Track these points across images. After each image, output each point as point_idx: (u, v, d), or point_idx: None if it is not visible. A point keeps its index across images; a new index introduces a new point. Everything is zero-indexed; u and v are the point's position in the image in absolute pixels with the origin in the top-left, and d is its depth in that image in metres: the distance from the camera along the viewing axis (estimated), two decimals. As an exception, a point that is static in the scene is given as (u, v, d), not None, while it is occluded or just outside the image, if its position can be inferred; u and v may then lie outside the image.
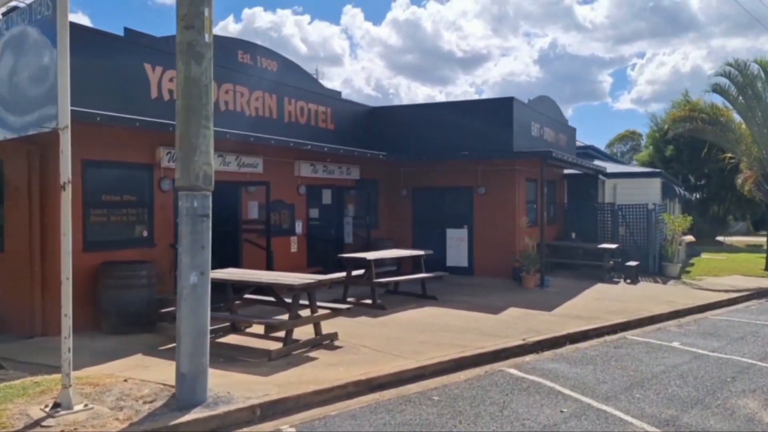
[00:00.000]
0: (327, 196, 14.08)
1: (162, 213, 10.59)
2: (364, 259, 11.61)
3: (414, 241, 17.51)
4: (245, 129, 11.85)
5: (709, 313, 12.76)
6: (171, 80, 10.72)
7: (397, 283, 13.07)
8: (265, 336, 8.48)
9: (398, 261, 13.22)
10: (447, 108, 16.89)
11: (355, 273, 12.10)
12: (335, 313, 8.90)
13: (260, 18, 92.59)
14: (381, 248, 15.34)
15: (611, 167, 22.41)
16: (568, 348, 9.47)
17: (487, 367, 8.19)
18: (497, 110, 16.10)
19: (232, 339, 8.92)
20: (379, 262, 12.10)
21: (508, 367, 8.15)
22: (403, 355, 8.20)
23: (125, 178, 10.08)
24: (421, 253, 12.96)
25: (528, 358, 8.82)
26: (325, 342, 8.71)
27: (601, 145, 53.38)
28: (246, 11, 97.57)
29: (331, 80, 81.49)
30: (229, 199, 13.04)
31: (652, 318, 11.78)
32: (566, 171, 20.73)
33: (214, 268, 13.27)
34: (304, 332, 8.74)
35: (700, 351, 9.15)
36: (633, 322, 11.31)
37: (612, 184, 21.52)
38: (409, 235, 17.56)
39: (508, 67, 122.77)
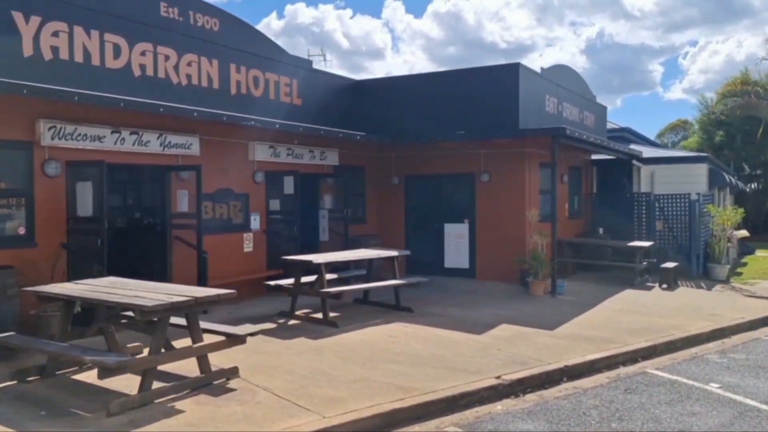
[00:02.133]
0: (294, 186, 11.67)
1: (47, 205, 8.37)
2: (310, 263, 9.17)
3: (407, 237, 14.97)
4: (172, 100, 9.54)
5: (763, 332, 9.87)
6: (54, 35, 8.46)
7: (367, 291, 10.60)
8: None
9: (369, 263, 10.73)
10: (443, 79, 14.23)
11: (306, 279, 9.69)
12: (230, 341, 6.48)
13: (302, 14, 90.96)
14: (361, 247, 12.88)
15: (649, 152, 19.32)
16: (561, 389, 6.85)
17: (431, 425, 5.67)
18: (501, 80, 13.37)
19: (89, 375, 6.62)
20: (335, 266, 9.63)
21: (457, 428, 5.60)
22: (311, 407, 5.74)
23: (-12, 160, 7.90)
24: (394, 253, 10.43)
25: (498, 406, 6.25)
26: (216, 381, 6.32)
27: (651, 136, 49.37)
28: (288, 7, 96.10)
29: (374, 74, 79.39)
30: (152, 188, 10.82)
31: (686, 339, 9.01)
32: (595, 156, 17.84)
33: (138, 273, 11.13)
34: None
35: (750, 401, 6.39)
36: (660, 347, 8.58)
37: (649, 171, 18.47)
38: (401, 230, 15.02)
39: (553, 58, 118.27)
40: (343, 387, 6.34)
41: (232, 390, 6.18)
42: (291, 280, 9.64)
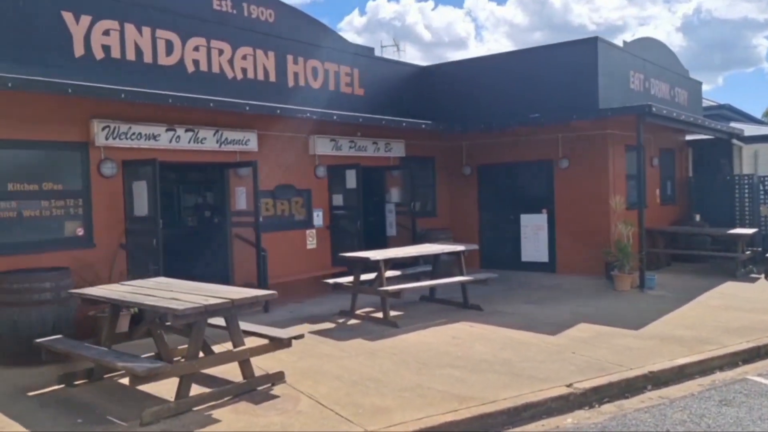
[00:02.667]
0: (356, 179, 11.22)
1: (105, 205, 8.35)
2: (368, 260, 8.68)
3: (481, 230, 14.22)
4: (228, 95, 9.32)
5: None
6: (105, 33, 8.41)
7: (433, 288, 10.01)
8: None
9: (435, 259, 10.12)
10: (515, 59, 13.34)
11: (367, 277, 9.23)
12: (273, 344, 6.09)
13: (384, 9, 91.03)
14: (430, 242, 12.30)
15: (751, 130, 17.46)
16: (644, 399, 6.01)
17: (487, 442, 5.05)
18: (578, 56, 12.33)
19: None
20: (397, 263, 9.10)
21: (518, 447, 4.94)
22: (354, 418, 5.25)
23: (45, 162, 7.93)
24: (460, 248, 9.76)
25: (569, 419, 5.53)
26: (260, 387, 5.96)
27: (758, 114, 45.40)
28: (370, 4, 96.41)
29: (457, 65, 77.70)
30: (211, 186, 10.71)
31: (799, 341, 7.82)
32: (689, 137, 16.32)
33: (199, 272, 11.05)
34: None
35: None
36: (765, 349, 7.49)
37: (752, 151, 16.66)
38: (474, 223, 14.27)
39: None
40: (393, 395, 5.80)
41: (274, 397, 5.79)
42: (351, 278, 9.21)
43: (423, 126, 12.05)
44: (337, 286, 9.31)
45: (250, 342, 6.26)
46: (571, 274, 12.71)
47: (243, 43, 10.08)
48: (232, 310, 5.62)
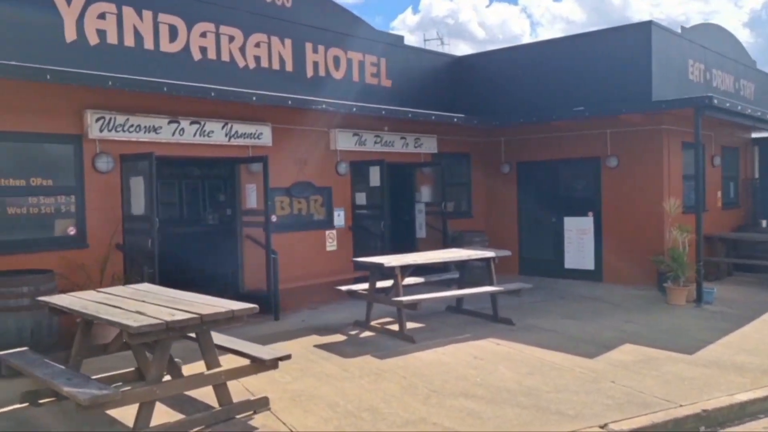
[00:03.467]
0: (380, 176, 10.37)
1: (100, 202, 7.75)
2: (382, 266, 7.80)
3: (520, 234, 13.15)
4: (238, 86, 8.61)
5: None
6: (101, 17, 7.78)
7: (460, 298, 9.07)
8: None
9: (462, 266, 9.17)
10: (558, 47, 12.21)
11: (382, 284, 8.36)
12: (254, 366, 5.28)
13: (437, 7, 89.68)
14: (464, 245, 11.38)
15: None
16: (697, 449, 4.95)
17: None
18: (629, 43, 11.12)
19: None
20: (418, 269, 8.18)
21: None
22: (335, 461, 4.40)
23: (33, 155, 7.37)
24: (490, 254, 8.77)
25: (600, 473, 4.52)
26: (240, 415, 5.18)
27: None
28: (424, 2, 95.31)
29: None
30: (222, 183, 10.06)
31: None
32: (756, 134, 14.80)
33: (207, 276, 10.43)
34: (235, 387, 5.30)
35: None
36: None
37: (828, 150, 15.00)
38: (512, 226, 13.20)
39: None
40: (393, 430, 4.92)
41: (252, 429, 5.00)
42: (366, 285, 8.37)
43: (455, 120, 11.09)
44: (352, 294, 8.48)
45: (233, 361, 5.50)
46: (618, 283, 11.52)
47: (256, 30, 9.35)
48: (202, 326, 4.84)
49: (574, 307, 9.71)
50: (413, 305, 7.57)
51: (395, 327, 8.01)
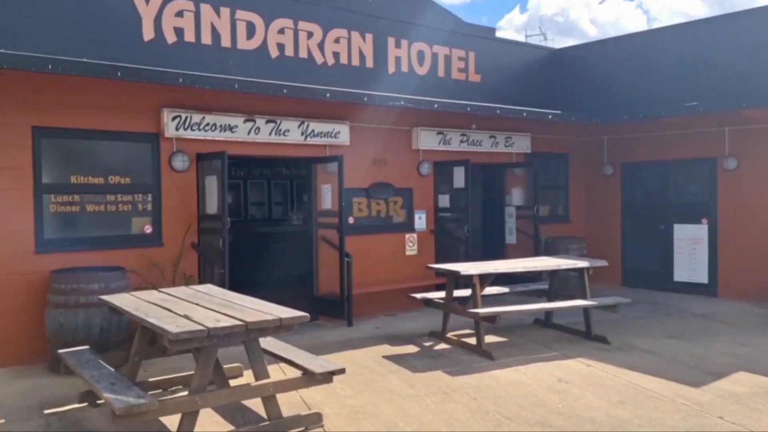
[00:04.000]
0: (465, 177, 9.77)
1: (176, 201, 7.73)
2: (458, 274, 7.21)
3: (624, 241, 12.05)
4: (317, 83, 8.34)
5: None
6: (178, 15, 7.75)
7: (549, 312, 8.30)
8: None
9: (552, 276, 8.40)
10: (666, 37, 11.03)
11: (462, 293, 7.78)
12: (305, 379, 4.90)
13: (546, 5, 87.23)
14: (558, 252, 10.58)
15: None
16: None
17: None
18: (752, 29, 9.82)
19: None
20: (492, 278, 7.52)
21: None
22: (381, 495, 3.92)
23: (112, 153, 7.43)
24: (583, 264, 7.93)
25: None
26: (290, 431, 4.82)
27: None
28: (532, 1, 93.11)
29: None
30: (300, 183, 9.83)
31: None
32: None
33: (282, 278, 10.23)
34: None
35: None
36: None
37: None
38: (615, 233, 12.12)
39: None
40: (447, 464, 4.37)
41: (297, 449, 4.63)
42: (443, 294, 7.82)
43: (549, 116, 10.26)
44: (428, 302, 7.96)
45: (290, 371, 5.17)
46: (736, 299, 10.22)
47: (336, 25, 9.06)
48: (248, 334, 4.52)
49: (681, 326, 8.64)
50: (492, 318, 6.93)
51: (473, 340, 7.40)
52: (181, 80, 6.77)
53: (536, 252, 10.65)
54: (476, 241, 12.29)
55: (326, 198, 8.82)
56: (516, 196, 11.40)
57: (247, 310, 4.84)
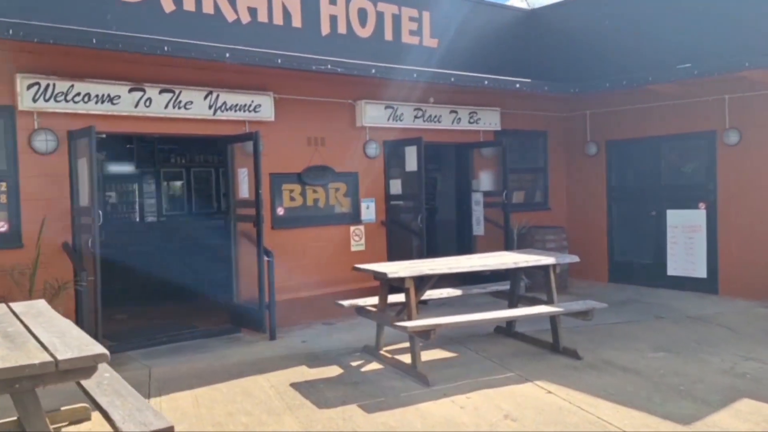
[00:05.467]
0: (417, 158, 8.25)
1: (38, 190, 6.21)
2: (384, 276, 5.67)
3: (610, 230, 10.52)
4: (228, 43, 6.79)
5: None
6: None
7: (511, 320, 6.79)
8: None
9: (514, 275, 6.87)
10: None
11: (394, 299, 6.27)
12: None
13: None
14: (534, 244, 9.14)
15: None
16: None
17: None
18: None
19: None
20: (433, 281, 5.99)
21: None
22: None
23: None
24: (548, 260, 6.38)
25: None
26: None
27: None
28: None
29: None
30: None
31: None
32: None
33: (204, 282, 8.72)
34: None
35: None
36: None
37: None
38: (601, 220, 10.58)
39: None
40: None
41: None
42: (372, 300, 6.32)
43: (517, 86, 8.72)
44: (360, 311, 6.45)
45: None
46: (739, 297, 8.71)
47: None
48: (8, 385, 3.02)
49: (672, 333, 7.13)
50: (426, 332, 5.42)
51: (405, 359, 5.89)
52: (37, 38, 5.25)
53: (506, 245, 9.16)
54: (448, 233, 10.84)
55: (243, 185, 7.31)
56: (485, 180, 9.89)
57: (31, 345, 3.35)
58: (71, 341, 3.45)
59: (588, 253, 9.48)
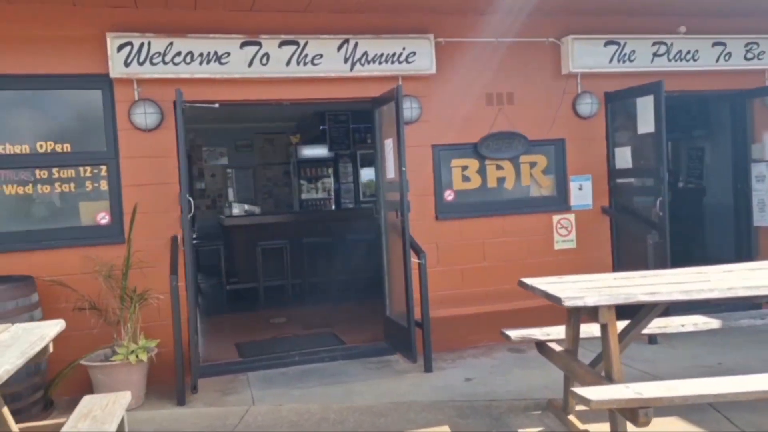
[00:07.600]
0: (656, 115, 5.50)
1: (142, 175, 5.15)
2: (559, 301, 3.28)
3: None
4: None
5: None
6: None
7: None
8: None
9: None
10: None
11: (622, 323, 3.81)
12: None
13: None
14: None
15: None
16: None
17: None
18: None
19: None
20: (654, 313, 3.41)
21: None
22: None
23: (41, 109, 5.10)
24: None
25: None
26: None
27: None
28: None
29: None
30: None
31: None
32: None
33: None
34: None
35: None
36: None
37: None
38: None
39: None
40: None
41: None
42: (558, 330, 3.98)
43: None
44: (540, 348, 4.15)
45: None
46: None
47: None
48: None
49: None
50: (632, 412, 2.94)
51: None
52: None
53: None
54: (723, 223, 7.70)
55: (390, 161, 5.46)
56: (772, 145, 6.57)
57: None
58: None
59: None
